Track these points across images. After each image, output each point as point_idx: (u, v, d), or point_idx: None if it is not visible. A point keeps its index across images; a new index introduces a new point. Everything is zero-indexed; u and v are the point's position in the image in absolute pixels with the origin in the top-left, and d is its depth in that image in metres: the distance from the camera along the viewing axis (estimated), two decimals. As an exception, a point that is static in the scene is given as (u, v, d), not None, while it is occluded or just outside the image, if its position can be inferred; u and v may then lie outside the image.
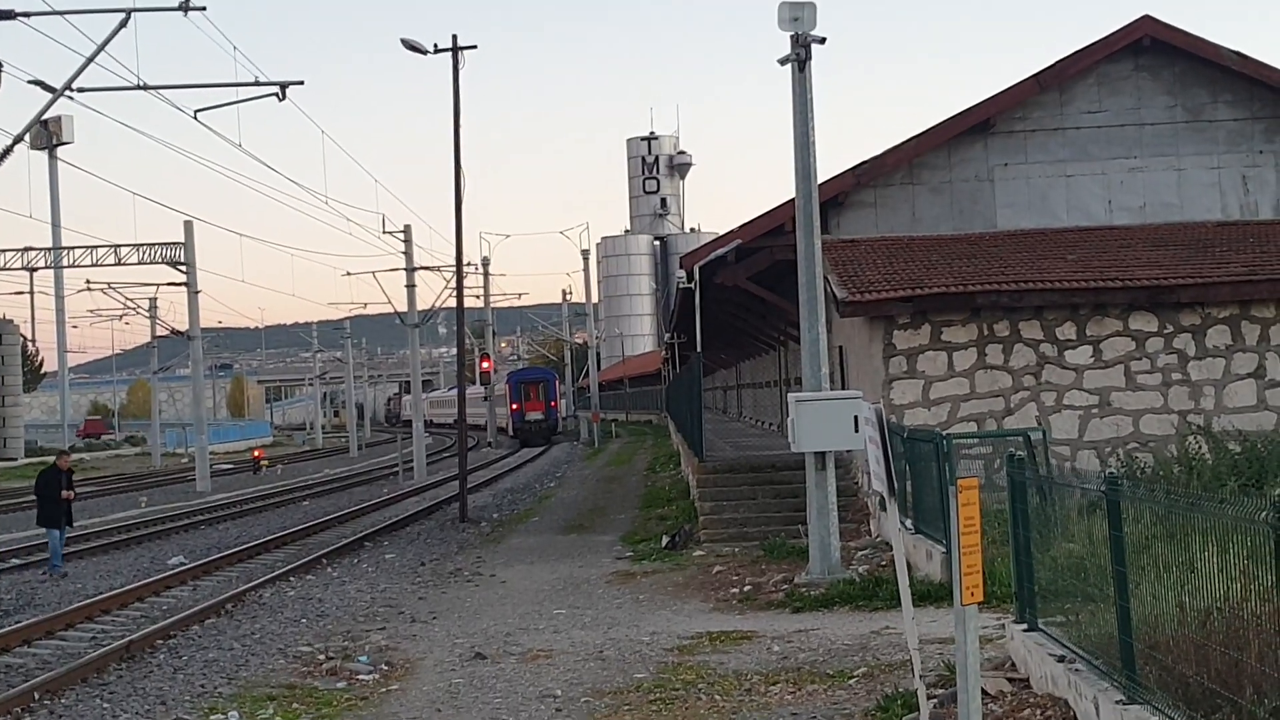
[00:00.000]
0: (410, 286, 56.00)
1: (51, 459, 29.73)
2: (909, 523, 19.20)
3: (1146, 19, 27.22)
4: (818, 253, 20.07)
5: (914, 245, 26.48)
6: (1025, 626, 12.02)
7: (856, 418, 18.74)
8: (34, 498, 27.43)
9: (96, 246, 52.33)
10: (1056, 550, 10.80)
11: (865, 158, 27.67)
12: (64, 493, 26.65)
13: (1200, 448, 20.32)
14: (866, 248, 26.43)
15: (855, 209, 27.74)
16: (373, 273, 68.18)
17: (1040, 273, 24.03)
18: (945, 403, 23.63)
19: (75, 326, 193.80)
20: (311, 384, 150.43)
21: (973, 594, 9.47)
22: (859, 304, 23.25)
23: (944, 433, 18.99)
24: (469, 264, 69.15)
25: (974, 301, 23.43)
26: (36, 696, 14.80)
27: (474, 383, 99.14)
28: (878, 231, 27.57)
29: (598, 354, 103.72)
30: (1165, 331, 23.77)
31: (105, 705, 14.38)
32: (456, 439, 40.41)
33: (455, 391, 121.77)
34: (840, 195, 27.25)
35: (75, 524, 28.88)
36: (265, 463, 70.68)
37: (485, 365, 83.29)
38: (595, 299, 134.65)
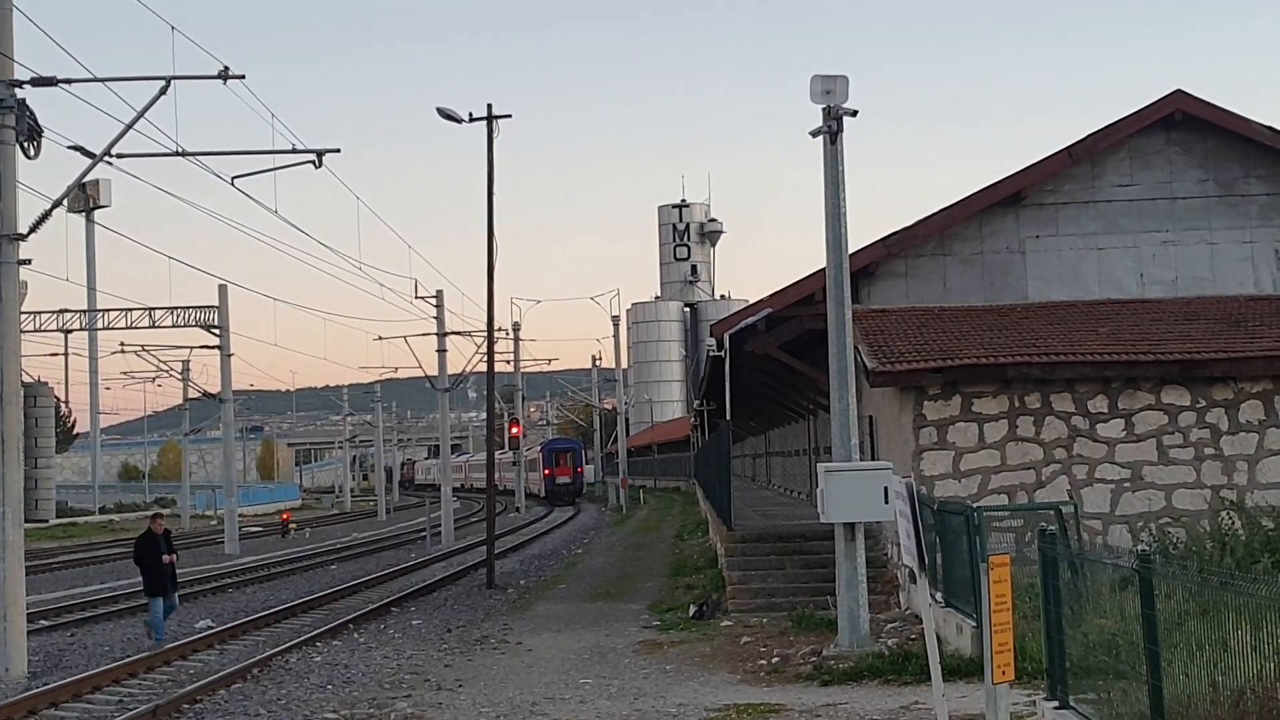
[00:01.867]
0: (441, 351, 55.99)
1: (144, 526, 28.48)
2: (939, 595, 19.01)
3: (1178, 94, 27.20)
4: (848, 322, 20.03)
5: (945, 316, 26.34)
6: (1057, 704, 11.83)
7: (886, 489, 18.70)
8: (136, 568, 26.27)
9: (131, 309, 52.36)
10: (1088, 626, 10.66)
11: (896, 228, 27.44)
12: (165, 557, 25.58)
13: (1233, 523, 20.10)
14: (897, 318, 26.25)
15: (886, 279, 27.54)
16: (404, 337, 67.24)
17: (1072, 345, 23.76)
18: (976, 474, 23.24)
19: (108, 388, 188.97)
20: (341, 447, 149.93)
21: (1004, 672, 9.36)
22: (889, 374, 23.05)
23: (974, 505, 18.75)
24: (500, 329, 69.01)
25: (1005, 373, 23.23)
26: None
27: (502, 447, 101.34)
28: (908, 301, 27.36)
29: (626, 420, 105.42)
30: (1198, 406, 23.51)
31: (131, 770, 13.39)
32: (485, 504, 39.53)
33: (481, 457, 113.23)
34: (871, 265, 27.07)
35: (120, 584, 28.17)
36: (294, 525, 70.24)
37: (515, 430, 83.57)
38: (625, 365, 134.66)
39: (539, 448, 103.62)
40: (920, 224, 27.37)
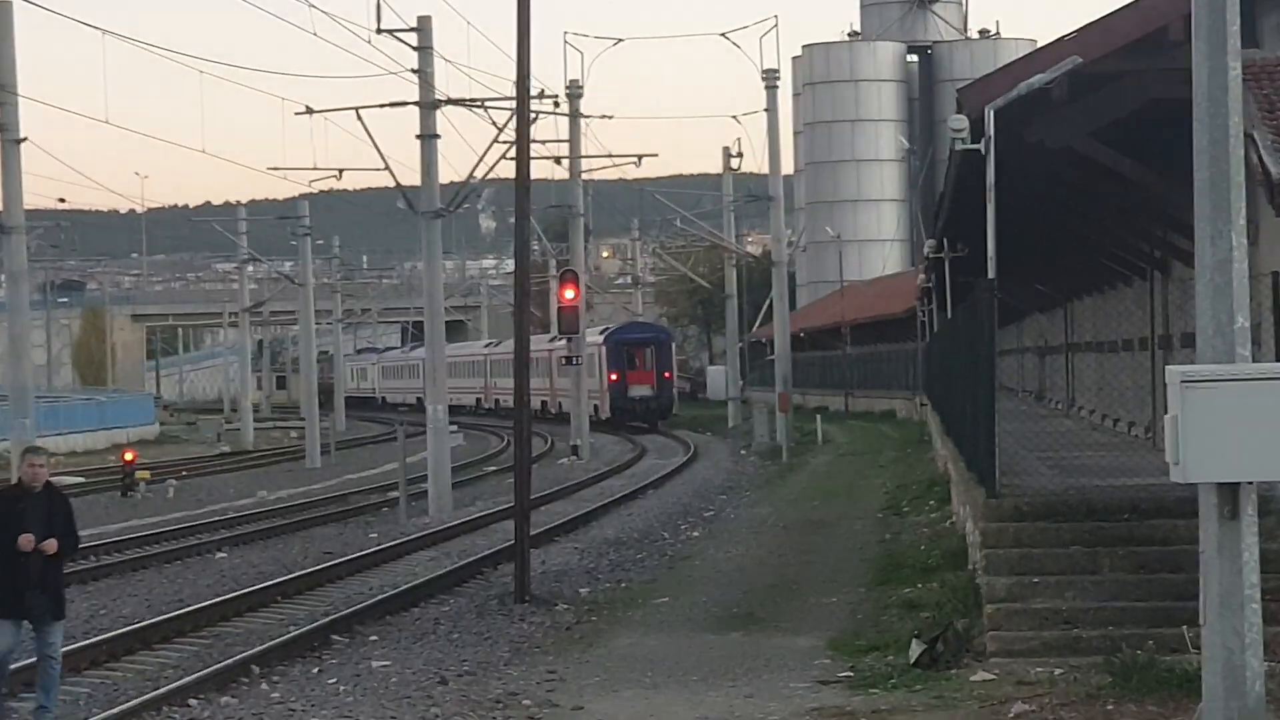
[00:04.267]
0: (427, 139, 39.21)
1: None
2: None
3: None
4: (1234, 84, 13.44)
5: None
6: None
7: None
8: None
9: None
10: None
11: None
12: (29, 540, 16.31)
13: None
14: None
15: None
16: (355, 111, 42.14)
17: None
18: None
19: None
20: (234, 323, 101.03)
21: None
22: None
23: None
24: (542, 92, 45.34)
25: None
26: None
27: (546, 329, 77.24)
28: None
29: (791, 278, 75.93)
30: None
31: None
32: (513, 437, 29.01)
33: (505, 350, 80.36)
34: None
35: None
36: (145, 475, 50.69)
37: (568, 296, 52.66)
38: (790, 167, 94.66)
39: (599, 336, 75.88)
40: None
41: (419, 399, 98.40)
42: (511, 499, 28.00)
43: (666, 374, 76.91)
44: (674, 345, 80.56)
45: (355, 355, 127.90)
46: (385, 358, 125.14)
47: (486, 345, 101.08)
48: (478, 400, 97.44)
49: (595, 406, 71.35)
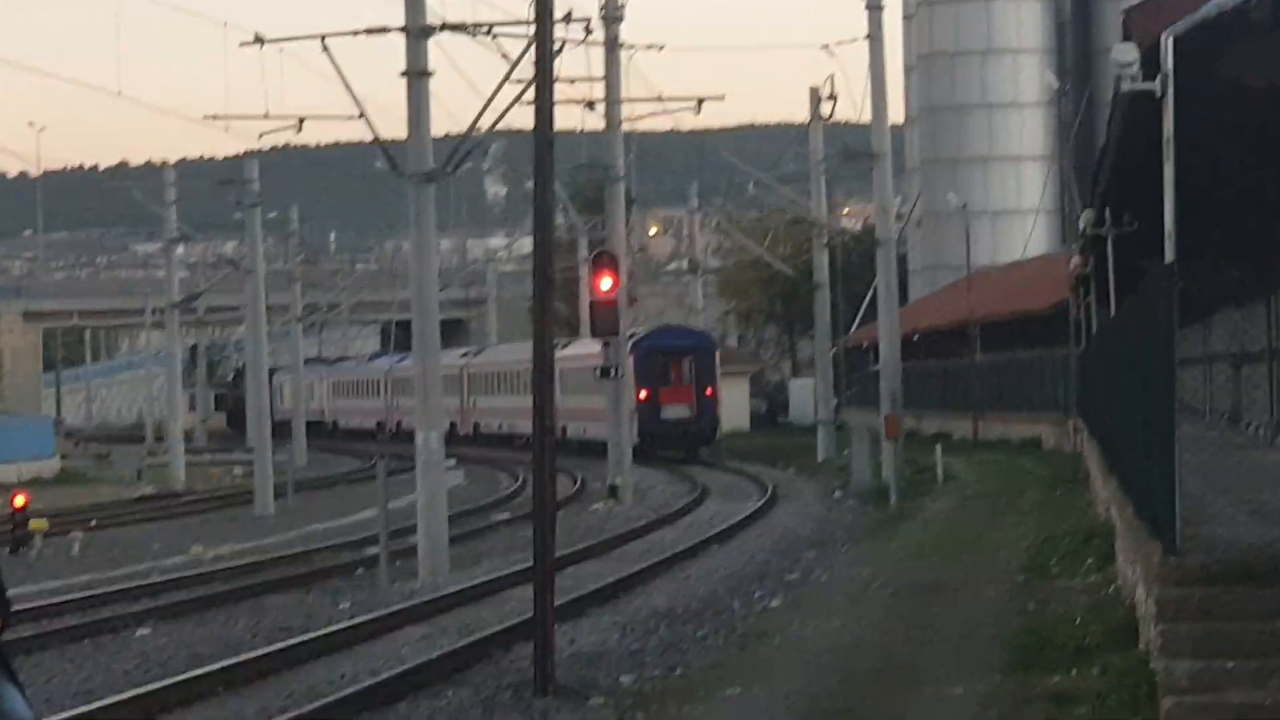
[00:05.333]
0: (416, 77, 32.72)
1: None
2: None
3: None
4: None
5: None
6: None
7: None
8: None
9: None
10: None
11: None
12: None
13: None
14: None
15: None
16: (320, 38, 34.99)
17: None
18: None
19: None
20: (160, 323, 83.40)
21: None
22: None
23: None
24: (571, 18, 38.50)
25: None
26: None
27: (572, 330, 70.11)
28: None
29: (902, 261, 67.94)
30: None
31: None
32: (531, 474, 24.84)
33: (520, 355, 64.66)
34: None
35: None
36: (41, 525, 43.48)
37: (605, 286, 43.94)
38: (899, 114, 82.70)
39: (626, 342, 63.05)
40: None
41: (379, 424, 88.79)
42: (529, 558, 24.18)
43: (709, 390, 66.37)
44: (715, 354, 69.93)
45: (288, 369, 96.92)
46: (337, 370, 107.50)
47: (465, 354, 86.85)
48: (497, 427, 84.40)
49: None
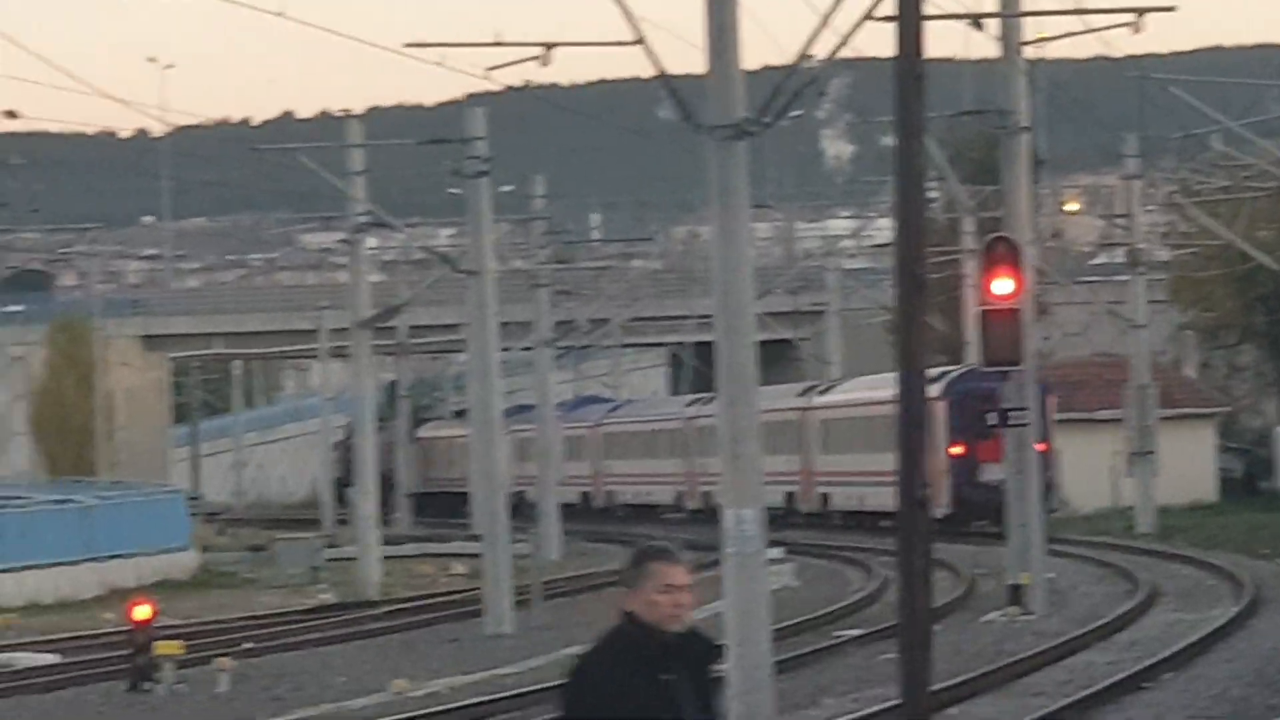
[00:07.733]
0: None
1: None
2: None
3: None
4: None
5: None
6: None
7: None
8: None
9: None
10: None
11: None
12: None
13: None
14: None
15: None
16: None
17: None
18: None
19: None
20: (342, 352, 61.43)
21: None
22: None
23: None
24: None
25: None
26: None
27: (949, 355, 58.28)
28: None
29: None
30: None
31: None
32: (899, 571, 17.76)
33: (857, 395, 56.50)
34: None
35: None
36: (172, 649, 31.99)
37: (1002, 289, 34.39)
38: None
39: (935, 386, 52.46)
40: None
41: (678, 495, 69.59)
42: (892, 693, 19.80)
43: (1041, 445, 50.92)
44: (1046, 396, 54.74)
45: (529, 412, 69.31)
46: (615, 416, 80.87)
47: (806, 392, 68.02)
48: (679, 496, 69.70)
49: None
